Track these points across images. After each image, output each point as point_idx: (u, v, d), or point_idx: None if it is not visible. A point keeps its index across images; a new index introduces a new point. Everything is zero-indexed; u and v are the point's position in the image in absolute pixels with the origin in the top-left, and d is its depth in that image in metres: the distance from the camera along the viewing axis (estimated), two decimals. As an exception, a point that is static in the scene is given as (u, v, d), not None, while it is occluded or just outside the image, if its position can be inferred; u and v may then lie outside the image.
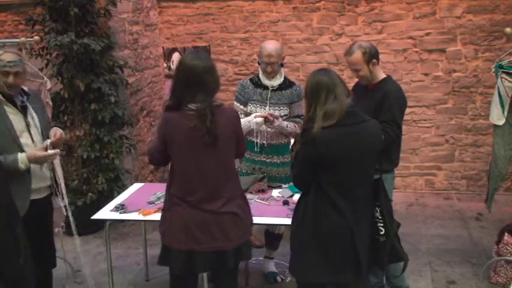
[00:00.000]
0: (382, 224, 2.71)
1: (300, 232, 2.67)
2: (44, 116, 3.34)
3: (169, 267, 2.80)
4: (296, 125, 3.77)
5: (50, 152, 3.06)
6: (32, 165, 3.09)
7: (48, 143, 3.09)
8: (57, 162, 3.30)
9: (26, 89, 3.22)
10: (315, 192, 2.61)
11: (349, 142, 2.56)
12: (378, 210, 2.71)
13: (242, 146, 2.90)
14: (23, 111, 3.15)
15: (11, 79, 3.05)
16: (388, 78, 3.40)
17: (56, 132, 3.20)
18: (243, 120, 3.72)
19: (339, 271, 2.63)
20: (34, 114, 3.19)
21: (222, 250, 2.69)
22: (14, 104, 3.10)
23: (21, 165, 2.99)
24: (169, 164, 2.83)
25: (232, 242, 2.71)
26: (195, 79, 2.61)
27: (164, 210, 2.82)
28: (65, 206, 3.30)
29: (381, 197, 2.72)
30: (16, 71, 3.07)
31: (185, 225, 2.67)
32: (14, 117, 3.09)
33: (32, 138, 3.13)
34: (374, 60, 3.30)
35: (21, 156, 3.00)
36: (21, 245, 2.35)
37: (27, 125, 3.13)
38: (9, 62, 3.03)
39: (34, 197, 3.14)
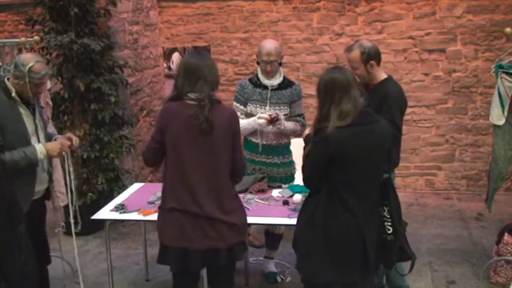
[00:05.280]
0: (390, 224, 2.71)
1: (309, 231, 2.66)
2: (43, 118, 3.35)
3: (168, 265, 2.82)
4: (297, 124, 3.78)
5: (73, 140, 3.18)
6: (37, 168, 3.12)
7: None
8: (57, 164, 3.30)
9: None
10: (326, 192, 2.60)
11: (361, 142, 2.55)
12: (386, 209, 2.71)
13: (239, 160, 2.85)
14: (33, 113, 3.17)
15: (41, 89, 3.13)
16: (389, 79, 3.39)
17: (72, 137, 3.26)
18: (244, 122, 3.72)
19: (347, 270, 2.63)
20: (39, 117, 3.22)
21: (215, 248, 2.72)
22: (27, 106, 3.14)
23: (41, 156, 3.02)
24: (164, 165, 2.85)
25: (225, 241, 2.74)
26: (193, 70, 2.71)
27: (160, 209, 2.85)
28: (71, 204, 3.33)
29: (389, 196, 2.72)
30: (46, 80, 3.16)
31: (179, 223, 2.71)
32: (26, 119, 3.12)
33: (38, 139, 3.16)
34: (372, 62, 3.29)
35: (39, 146, 3.05)
36: (23, 242, 2.35)
37: (36, 127, 3.16)
38: (44, 74, 3.09)
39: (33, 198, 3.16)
